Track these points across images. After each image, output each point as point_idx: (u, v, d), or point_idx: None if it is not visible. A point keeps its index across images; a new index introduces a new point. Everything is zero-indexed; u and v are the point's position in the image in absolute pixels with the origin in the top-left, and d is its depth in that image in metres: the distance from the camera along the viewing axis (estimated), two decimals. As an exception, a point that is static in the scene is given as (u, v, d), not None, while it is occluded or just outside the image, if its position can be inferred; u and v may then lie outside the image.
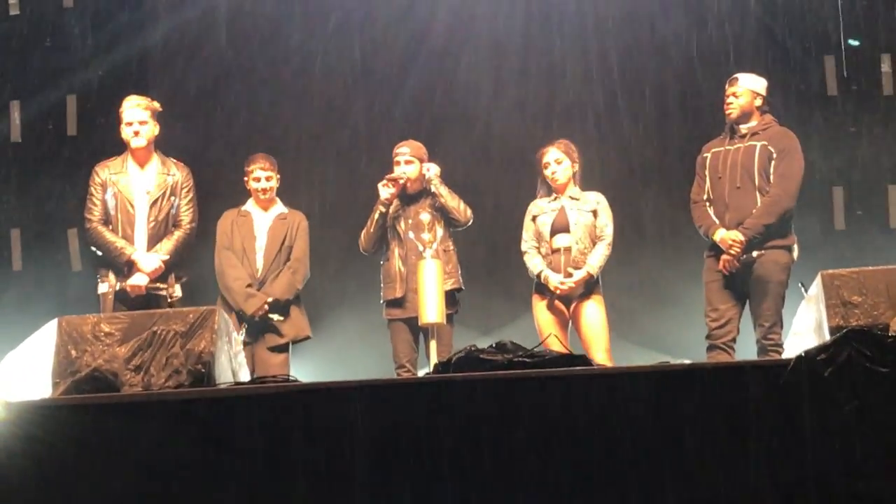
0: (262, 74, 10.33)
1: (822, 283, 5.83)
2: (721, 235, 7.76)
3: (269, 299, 8.13)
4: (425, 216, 7.95)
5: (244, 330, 8.02)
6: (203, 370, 5.65)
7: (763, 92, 7.97)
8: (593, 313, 8.00)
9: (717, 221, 7.82)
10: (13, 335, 6.62)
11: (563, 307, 8.05)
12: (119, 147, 8.02)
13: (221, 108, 10.30)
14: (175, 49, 10.36)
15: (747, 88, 7.91)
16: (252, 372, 7.58)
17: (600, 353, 7.84)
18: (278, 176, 8.43)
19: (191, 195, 7.77)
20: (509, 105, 10.24)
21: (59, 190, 9.78)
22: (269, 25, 10.35)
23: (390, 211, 8.20)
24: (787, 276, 7.73)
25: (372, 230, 8.23)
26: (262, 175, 8.33)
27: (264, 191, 8.33)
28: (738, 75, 8.00)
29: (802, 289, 6.97)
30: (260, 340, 8.19)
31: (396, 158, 8.27)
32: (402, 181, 8.18)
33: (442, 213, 8.15)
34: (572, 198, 8.11)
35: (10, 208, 9.83)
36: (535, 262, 8.10)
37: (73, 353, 5.73)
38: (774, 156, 7.78)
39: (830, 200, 9.60)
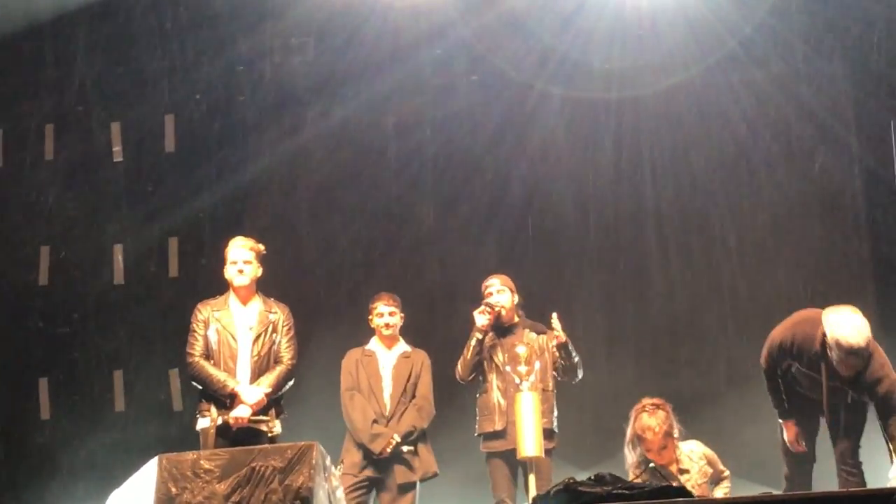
0: (354, 207, 10.49)
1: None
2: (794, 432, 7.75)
3: (396, 437, 8.17)
4: (521, 349, 7.90)
5: (342, 465, 8.04)
6: (302, 506, 5.67)
7: None
8: None
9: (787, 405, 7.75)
10: (116, 475, 6.71)
11: None
12: (219, 288, 8.15)
13: (316, 242, 10.47)
14: (271, 186, 10.58)
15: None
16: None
17: None
18: (402, 314, 8.54)
19: (291, 333, 7.86)
20: (599, 244, 10.29)
21: (161, 331, 9.94)
22: (362, 160, 10.55)
23: (486, 342, 8.21)
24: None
25: (469, 357, 8.19)
26: (385, 311, 8.47)
27: (388, 326, 8.45)
28: (858, 349, 7.22)
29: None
30: (391, 477, 8.22)
31: (488, 290, 8.31)
32: (497, 308, 8.20)
33: (562, 368, 8.15)
34: (682, 470, 7.70)
35: (114, 349, 9.99)
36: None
37: (174, 490, 5.77)
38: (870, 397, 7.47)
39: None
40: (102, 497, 6.57)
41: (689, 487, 7.54)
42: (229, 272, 7.81)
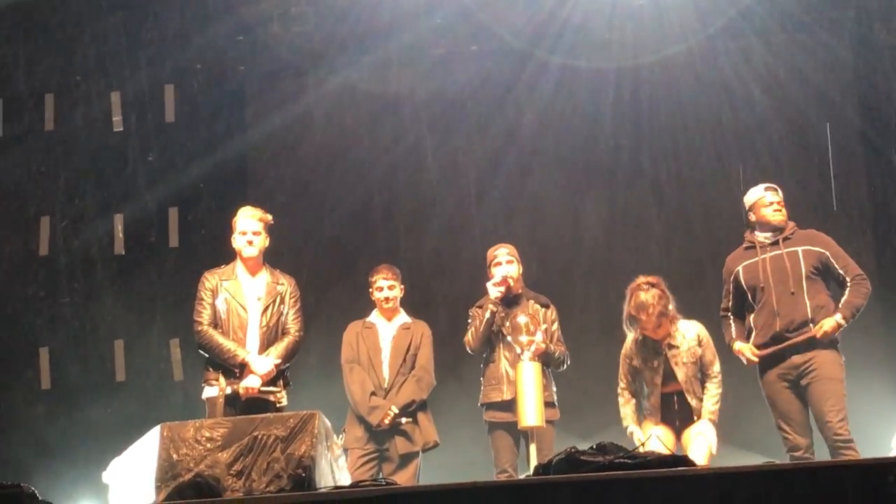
0: (354, 173, 10.50)
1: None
2: (738, 346, 7.88)
3: (394, 409, 8.18)
4: (522, 318, 7.90)
5: (343, 435, 8.07)
6: (304, 474, 5.67)
7: None
8: (700, 437, 7.72)
9: (735, 336, 7.94)
10: (117, 444, 6.71)
11: (673, 434, 7.85)
12: (219, 258, 8.14)
13: (315, 211, 10.47)
14: (272, 155, 10.57)
15: (783, 199, 7.96)
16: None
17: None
18: (402, 286, 8.54)
19: (298, 305, 7.87)
20: (596, 216, 10.30)
21: (161, 301, 9.95)
22: (362, 128, 10.55)
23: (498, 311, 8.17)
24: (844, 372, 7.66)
25: (482, 330, 8.17)
26: (384, 284, 8.48)
27: (387, 300, 8.47)
28: (775, 186, 8.01)
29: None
30: (392, 448, 8.24)
31: (497, 260, 8.29)
32: (510, 281, 8.19)
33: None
34: (672, 345, 7.84)
35: (114, 319, 9.98)
36: (633, 430, 7.92)
37: (175, 455, 5.77)
38: (827, 255, 7.74)
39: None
40: (103, 466, 6.59)
41: (672, 364, 7.70)
42: (238, 242, 7.80)
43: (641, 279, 7.85)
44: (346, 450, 8.07)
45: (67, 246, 10.01)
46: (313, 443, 5.75)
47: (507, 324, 8.06)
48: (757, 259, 7.82)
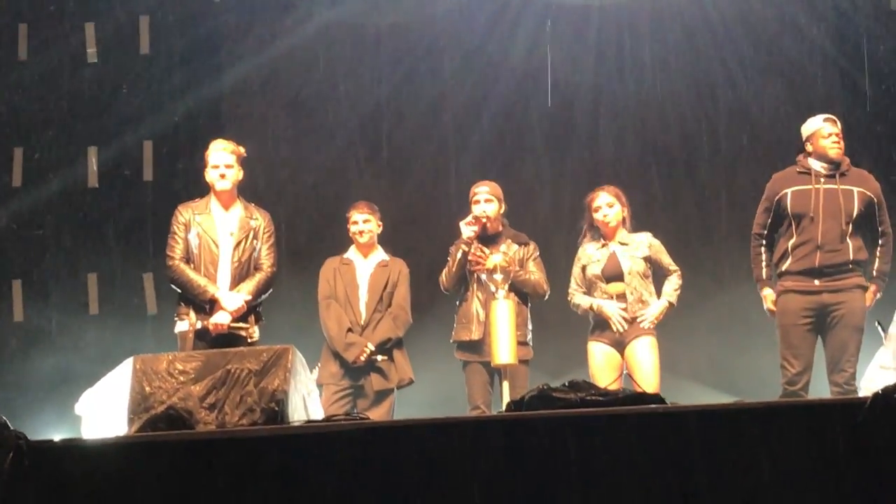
0: (335, 115, 10.43)
1: (900, 320, 5.78)
2: (765, 293, 7.89)
3: (370, 346, 8.19)
4: (497, 257, 7.87)
5: (317, 370, 8.08)
6: (276, 408, 5.66)
7: None
8: (645, 352, 7.87)
9: (765, 275, 7.91)
10: (90, 378, 6.70)
11: (616, 351, 7.97)
12: (194, 192, 8.10)
13: (297, 148, 10.41)
14: (250, 92, 10.49)
15: (841, 131, 7.85)
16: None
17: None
18: (380, 222, 8.53)
19: (272, 240, 7.80)
20: (581, 153, 10.27)
21: (135, 235, 9.90)
22: (343, 67, 10.46)
23: (471, 251, 8.16)
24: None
25: (454, 269, 8.17)
26: (360, 218, 8.47)
27: (361, 233, 8.46)
28: (833, 117, 7.88)
29: (880, 328, 6.88)
30: (368, 385, 8.26)
31: (476, 197, 8.24)
32: (483, 220, 8.16)
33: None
34: (622, 243, 8.03)
35: (88, 253, 9.95)
36: (584, 298, 8.09)
37: (147, 388, 5.76)
38: (875, 200, 7.74)
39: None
40: (75, 398, 6.57)
41: (619, 257, 8.03)
42: (210, 176, 7.72)
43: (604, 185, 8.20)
44: (320, 385, 8.09)
45: (41, 178, 9.95)
46: (287, 377, 5.74)
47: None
48: (810, 188, 7.71)
